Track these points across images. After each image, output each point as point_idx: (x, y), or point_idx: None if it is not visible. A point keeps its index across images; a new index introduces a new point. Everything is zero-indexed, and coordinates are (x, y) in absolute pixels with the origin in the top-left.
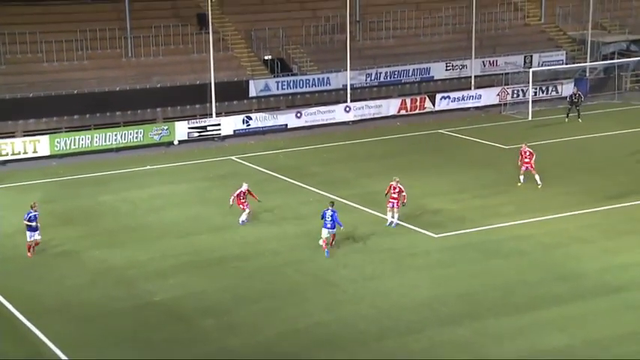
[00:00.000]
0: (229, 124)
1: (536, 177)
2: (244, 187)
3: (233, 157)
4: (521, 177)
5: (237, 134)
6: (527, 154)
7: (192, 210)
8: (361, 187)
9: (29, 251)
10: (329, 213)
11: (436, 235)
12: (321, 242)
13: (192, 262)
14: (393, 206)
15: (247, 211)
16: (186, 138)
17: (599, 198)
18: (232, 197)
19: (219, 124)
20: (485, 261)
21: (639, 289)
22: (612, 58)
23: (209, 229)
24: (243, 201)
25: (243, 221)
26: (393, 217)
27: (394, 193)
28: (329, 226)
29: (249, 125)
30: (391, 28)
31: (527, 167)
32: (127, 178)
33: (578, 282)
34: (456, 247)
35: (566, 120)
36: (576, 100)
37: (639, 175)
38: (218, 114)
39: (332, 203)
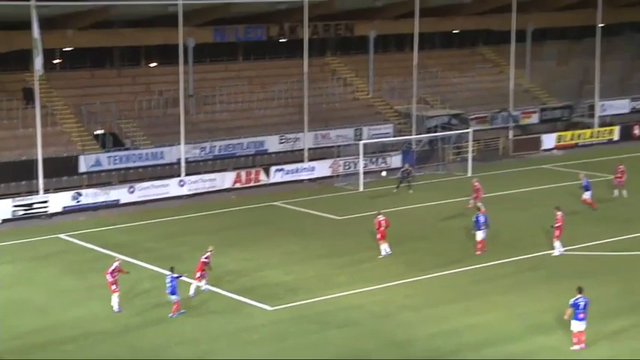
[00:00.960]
0: (58, 201)
1: (384, 245)
2: (116, 263)
3: (62, 235)
4: (383, 247)
5: (66, 211)
6: (384, 222)
7: (15, 292)
8: (196, 261)
9: None
10: (168, 279)
11: (271, 308)
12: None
13: (17, 348)
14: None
15: (117, 294)
16: (10, 216)
17: (424, 266)
18: (108, 275)
19: (46, 201)
20: (320, 332)
21: (470, 351)
22: (435, 131)
23: (34, 312)
24: (116, 279)
25: (119, 309)
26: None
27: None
28: (168, 292)
29: (79, 201)
30: (225, 102)
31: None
32: None
33: (410, 349)
34: (291, 320)
35: (395, 191)
36: (407, 176)
37: (461, 244)
38: (46, 190)
39: (171, 269)
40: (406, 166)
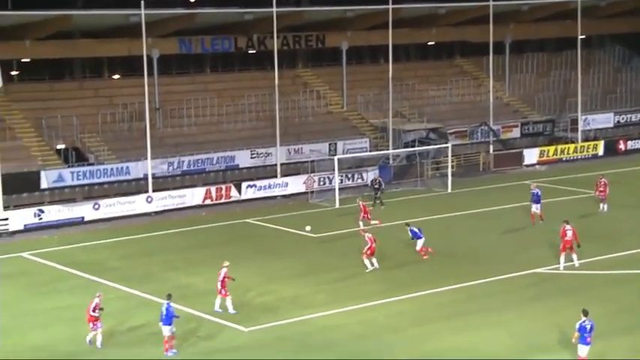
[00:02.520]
0: (19, 218)
1: (372, 260)
2: (97, 300)
3: (23, 254)
4: (368, 262)
5: (28, 229)
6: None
7: None
8: (166, 281)
9: None
10: (164, 307)
11: (246, 329)
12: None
13: None
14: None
15: (99, 329)
16: None
17: (405, 285)
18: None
19: (6, 219)
20: (298, 354)
21: None
22: (413, 146)
23: None
24: (97, 315)
25: (90, 341)
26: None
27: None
28: (170, 322)
29: (41, 219)
30: (193, 116)
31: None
32: None
33: None
34: (268, 341)
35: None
36: (377, 187)
37: (447, 262)
38: (6, 207)
39: (169, 296)
40: (375, 175)
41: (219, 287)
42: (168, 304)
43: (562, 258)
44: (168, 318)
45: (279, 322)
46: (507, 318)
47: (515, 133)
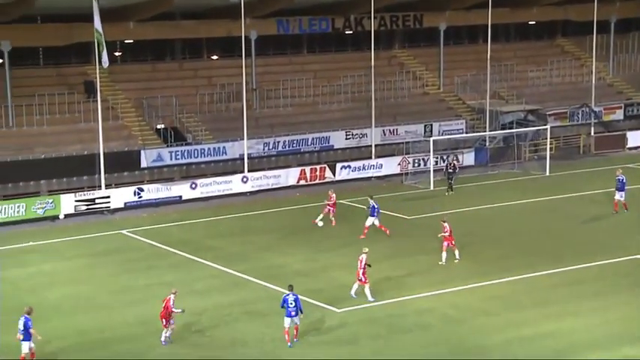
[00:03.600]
0: (120, 197)
1: (456, 252)
2: (172, 297)
3: (123, 231)
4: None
5: (128, 207)
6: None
7: (77, 288)
8: (259, 261)
9: None
10: (291, 298)
11: (339, 310)
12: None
13: (78, 344)
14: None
15: (171, 325)
16: (72, 211)
17: (501, 269)
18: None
19: (108, 197)
20: (390, 336)
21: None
22: (510, 128)
23: (95, 309)
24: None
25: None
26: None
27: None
28: (293, 314)
29: (140, 197)
30: (289, 96)
31: (447, 243)
32: (6, 255)
33: (483, 356)
34: (360, 322)
35: (447, 194)
36: (451, 171)
37: (541, 246)
38: (107, 186)
39: (291, 287)
40: (451, 160)
41: (360, 274)
42: (295, 295)
43: None
44: (296, 309)
45: (370, 305)
46: (608, 305)
47: (619, 114)
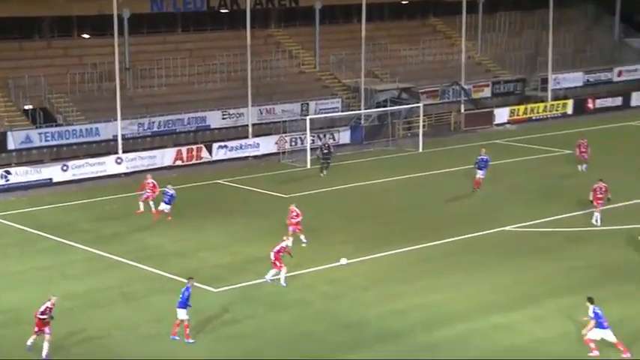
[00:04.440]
0: None
1: (302, 236)
2: (49, 303)
3: None
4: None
5: None
6: (295, 214)
7: None
8: (134, 242)
9: None
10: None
11: (216, 290)
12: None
13: None
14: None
15: (47, 335)
16: None
17: (378, 244)
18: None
19: None
20: (269, 314)
21: (421, 332)
22: (385, 106)
23: None
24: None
25: (31, 347)
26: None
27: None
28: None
29: (8, 180)
30: (164, 76)
31: (294, 229)
32: None
33: (361, 329)
34: (238, 301)
35: (322, 175)
36: (326, 152)
37: (416, 221)
38: None
39: (191, 278)
40: (327, 141)
41: (275, 259)
42: (188, 287)
43: (596, 214)
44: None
45: (249, 282)
46: (475, 277)
47: (487, 92)
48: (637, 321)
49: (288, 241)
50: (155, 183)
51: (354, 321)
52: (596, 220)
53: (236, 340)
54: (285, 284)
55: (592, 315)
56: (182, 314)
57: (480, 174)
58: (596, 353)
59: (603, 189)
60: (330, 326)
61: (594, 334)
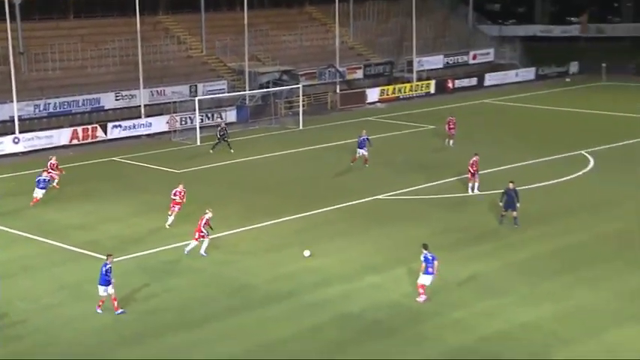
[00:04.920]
0: None
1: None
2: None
3: None
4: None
5: None
6: (181, 194)
7: None
8: (33, 217)
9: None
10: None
11: (114, 260)
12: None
13: None
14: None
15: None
16: None
17: (265, 214)
18: None
19: None
20: (162, 281)
21: (307, 292)
22: (267, 87)
23: None
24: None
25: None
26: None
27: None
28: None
29: None
30: (57, 60)
31: (179, 207)
32: None
33: (250, 293)
34: (133, 271)
35: (211, 151)
36: (222, 133)
37: (294, 193)
38: None
39: (109, 255)
40: (222, 124)
41: (197, 233)
42: (106, 264)
43: (470, 185)
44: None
45: (143, 252)
46: (354, 242)
47: (359, 74)
48: (492, 276)
49: (209, 214)
50: (57, 163)
51: (244, 285)
52: (472, 189)
53: (131, 304)
54: (205, 254)
55: (422, 259)
56: (101, 290)
57: (360, 152)
58: (423, 298)
59: (474, 162)
60: (219, 292)
61: (422, 279)
